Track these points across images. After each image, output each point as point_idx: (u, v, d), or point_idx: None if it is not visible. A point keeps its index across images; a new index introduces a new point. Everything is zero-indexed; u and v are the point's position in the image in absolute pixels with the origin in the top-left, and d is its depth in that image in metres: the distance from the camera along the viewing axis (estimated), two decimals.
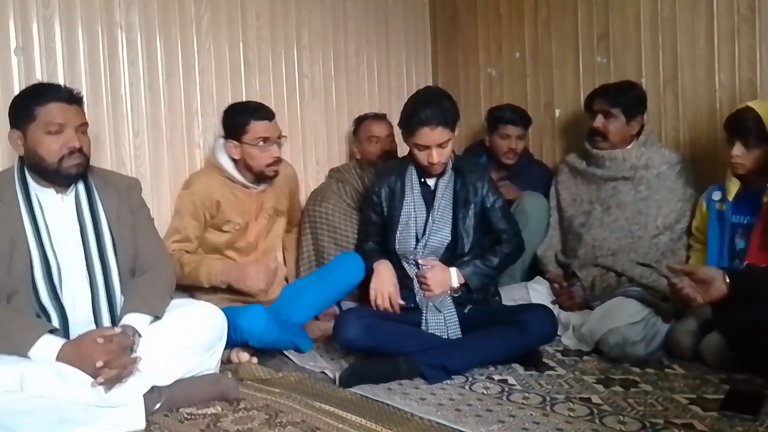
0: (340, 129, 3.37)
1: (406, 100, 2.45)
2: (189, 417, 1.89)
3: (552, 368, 2.25)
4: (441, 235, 2.42)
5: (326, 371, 2.28)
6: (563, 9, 3.26)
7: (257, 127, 2.52)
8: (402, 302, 2.38)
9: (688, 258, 2.59)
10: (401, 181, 2.49)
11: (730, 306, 2.00)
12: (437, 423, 1.81)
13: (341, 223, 2.85)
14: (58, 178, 1.95)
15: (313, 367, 2.33)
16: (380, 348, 2.22)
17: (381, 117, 3.15)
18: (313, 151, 3.24)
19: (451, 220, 2.43)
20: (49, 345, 1.77)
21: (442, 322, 2.33)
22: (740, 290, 1.98)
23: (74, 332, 1.88)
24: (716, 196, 2.47)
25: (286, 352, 2.47)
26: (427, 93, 2.43)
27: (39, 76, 2.33)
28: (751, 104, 2.26)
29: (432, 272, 2.37)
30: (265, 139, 2.52)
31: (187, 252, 2.50)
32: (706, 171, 2.71)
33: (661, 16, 2.90)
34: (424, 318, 2.35)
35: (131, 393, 1.81)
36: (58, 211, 1.98)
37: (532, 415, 1.86)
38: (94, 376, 1.75)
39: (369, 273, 2.48)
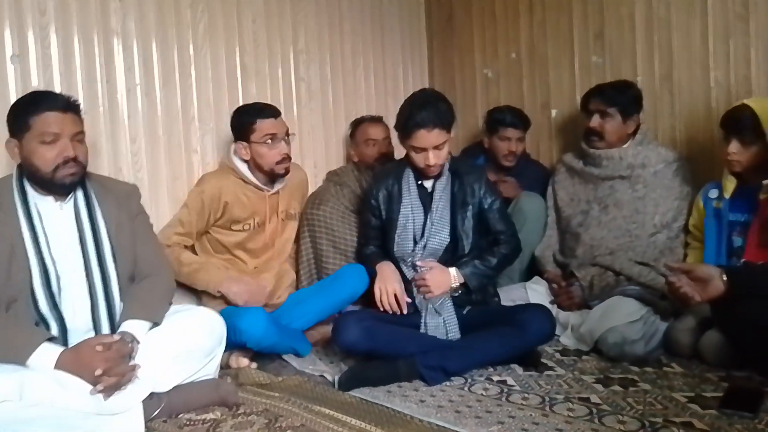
0: (337, 132, 3.38)
1: (402, 103, 2.45)
2: (188, 423, 1.89)
3: (551, 368, 2.25)
4: (440, 237, 2.42)
5: (325, 374, 2.28)
6: (558, 9, 3.27)
7: (264, 125, 2.54)
8: (408, 300, 2.36)
9: (685, 256, 2.59)
10: (398, 183, 2.50)
11: (729, 304, 2.01)
12: (437, 425, 1.81)
13: (339, 226, 2.85)
14: (53, 188, 1.95)
15: (313, 371, 2.34)
16: (379, 351, 2.22)
17: (378, 119, 3.16)
18: (310, 155, 3.25)
19: (449, 222, 2.43)
20: (47, 353, 1.76)
21: (442, 324, 2.33)
22: (738, 288, 1.98)
23: (73, 340, 1.88)
24: (713, 193, 2.47)
25: (285, 357, 2.47)
26: (423, 95, 2.43)
27: (35, 84, 2.33)
28: (747, 102, 2.26)
29: (431, 273, 2.37)
30: (273, 137, 2.54)
31: (186, 247, 2.53)
32: (703, 169, 2.71)
33: (656, 15, 2.90)
34: (423, 321, 2.35)
35: (130, 400, 1.81)
36: (57, 219, 1.97)
37: (531, 415, 1.86)
38: (93, 383, 1.74)
39: (372, 276, 2.47)
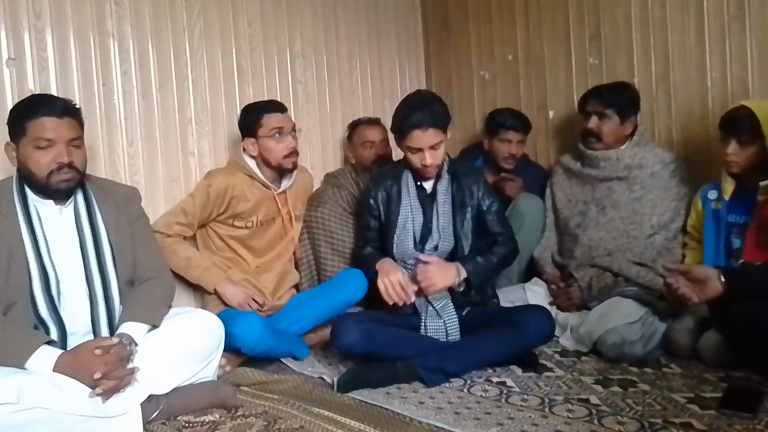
0: (335, 134, 3.38)
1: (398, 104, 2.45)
2: (187, 425, 1.89)
3: (550, 369, 2.25)
4: (448, 241, 2.42)
5: (324, 376, 2.28)
6: (554, 10, 3.27)
7: (270, 120, 2.58)
8: (415, 287, 2.31)
9: (683, 256, 2.59)
10: (397, 185, 2.50)
11: (727, 304, 2.01)
12: (436, 427, 1.81)
13: (337, 228, 2.85)
14: (50, 192, 1.94)
15: (311, 373, 2.33)
16: (378, 353, 2.22)
17: (375, 121, 3.16)
18: (307, 157, 3.24)
19: (452, 225, 2.43)
20: (45, 356, 1.76)
21: (442, 325, 2.33)
22: (736, 289, 1.99)
23: (72, 344, 1.87)
24: (712, 195, 2.47)
25: (283, 360, 2.47)
26: (418, 96, 2.44)
27: (31, 87, 2.32)
28: (745, 103, 2.27)
29: (433, 266, 2.32)
30: (280, 131, 2.57)
31: (185, 238, 2.54)
32: (700, 169, 2.72)
33: (652, 16, 2.91)
34: (423, 322, 2.35)
35: (129, 403, 1.80)
36: (57, 223, 1.97)
37: (531, 417, 1.86)
38: (92, 387, 1.74)
39: (371, 277, 2.45)
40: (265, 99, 2.80)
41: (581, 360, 2.33)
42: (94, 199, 2.04)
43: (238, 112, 2.73)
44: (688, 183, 2.66)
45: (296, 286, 2.83)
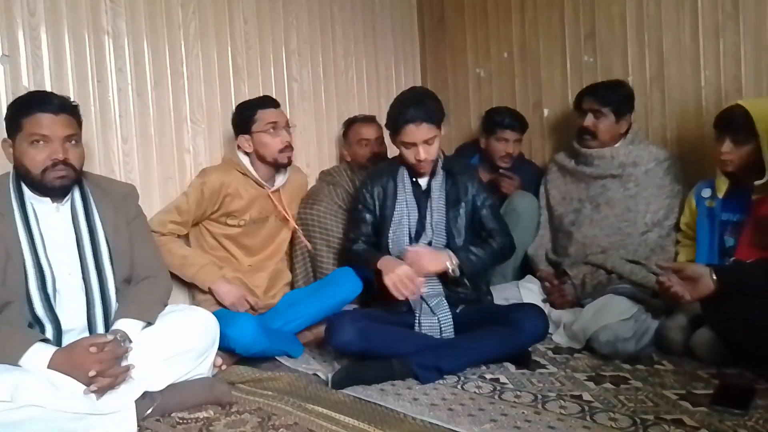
0: (330, 132, 3.38)
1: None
2: (181, 421, 1.89)
3: (543, 366, 2.26)
4: (441, 237, 2.43)
5: (319, 373, 2.28)
6: (550, 8, 3.28)
7: (265, 115, 2.59)
8: (422, 279, 2.31)
9: (677, 254, 2.60)
10: (393, 181, 2.50)
11: (719, 302, 2.02)
12: (430, 423, 1.82)
13: (333, 226, 2.85)
14: (46, 189, 1.93)
15: (306, 370, 2.34)
16: (373, 351, 2.22)
17: (370, 119, 3.16)
18: (303, 155, 3.25)
19: (445, 221, 2.44)
20: (40, 353, 1.76)
21: (436, 323, 2.34)
22: (727, 287, 2.00)
23: (68, 342, 1.86)
24: (706, 193, 2.48)
25: (278, 357, 2.47)
26: (412, 92, 2.46)
27: (26, 85, 2.32)
28: (740, 102, 2.27)
29: (422, 249, 2.34)
30: (274, 125, 2.58)
31: (179, 236, 2.54)
32: (693, 167, 2.73)
33: (647, 14, 2.92)
34: (417, 320, 2.36)
35: (123, 400, 1.81)
36: (53, 221, 1.96)
37: (524, 413, 1.87)
38: (87, 384, 1.74)
39: (365, 273, 2.46)
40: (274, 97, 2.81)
41: (574, 357, 2.34)
42: (91, 197, 2.04)
43: (234, 109, 2.73)
44: (681, 181, 2.67)
45: (290, 283, 2.84)
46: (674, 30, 2.84)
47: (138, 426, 1.83)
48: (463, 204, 2.45)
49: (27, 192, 1.94)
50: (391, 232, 2.45)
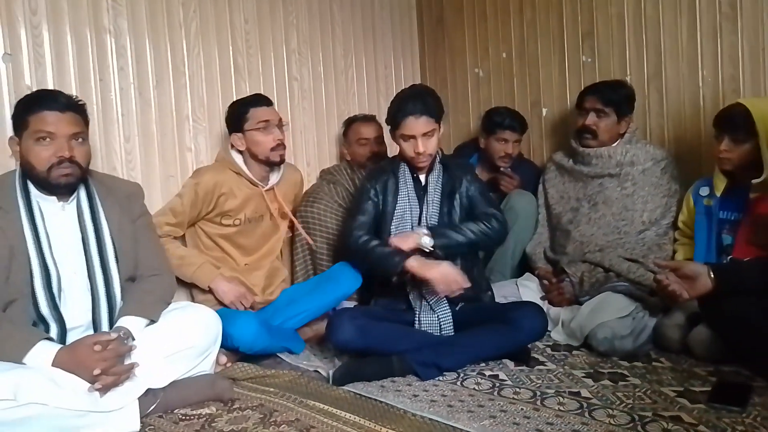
0: (330, 131, 3.40)
1: None
2: (184, 418, 1.91)
3: (542, 363, 2.28)
4: None
5: (320, 370, 2.29)
6: (548, 8, 3.29)
7: (257, 113, 2.58)
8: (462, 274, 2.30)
9: (674, 252, 2.62)
10: (395, 177, 2.52)
11: (716, 300, 2.04)
12: (430, 419, 1.83)
13: (334, 224, 2.86)
14: (52, 187, 1.93)
15: (307, 366, 2.35)
16: (373, 348, 2.24)
17: (370, 118, 3.17)
18: (303, 154, 3.26)
19: (439, 214, 2.46)
20: (44, 350, 1.77)
21: (436, 321, 2.35)
22: (725, 285, 2.01)
23: (72, 341, 1.86)
24: (704, 191, 2.49)
25: (279, 354, 2.48)
26: (412, 89, 2.51)
27: (28, 83, 2.33)
28: (741, 101, 2.29)
29: (394, 239, 2.38)
30: (266, 123, 2.57)
31: (175, 238, 2.54)
32: (691, 167, 2.74)
33: (645, 15, 2.93)
34: (417, 317, 2.38)
35: (126, 397, 1.82)
36: (59, 219, 1.96)
37: (522, 409, 1.88)
38: (91, 382, 1.75)
39: (370, 265, 2.43)
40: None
41: (572, 354, 2.36)
42: (96, 196, 2.04)
43: (227, 107, 2.71)
44: (678, 180, 2.69)
45: (286, 280, 2.84)
46: (672, 30, 2.85)
47: (141, 423, 1.84)
48: (457, 196, 2.47)
49: (33, 190, 1.94)
50: (393, 227, 2.46)
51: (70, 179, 1.93)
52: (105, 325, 1.95)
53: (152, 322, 1.99)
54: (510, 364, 2.27)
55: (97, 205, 2.02)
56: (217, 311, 2.24)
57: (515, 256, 2.95)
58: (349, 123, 3.19)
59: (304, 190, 3.05)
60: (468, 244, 2.40)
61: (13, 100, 2.21)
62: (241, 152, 2.63)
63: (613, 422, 1.76)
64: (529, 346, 2.36)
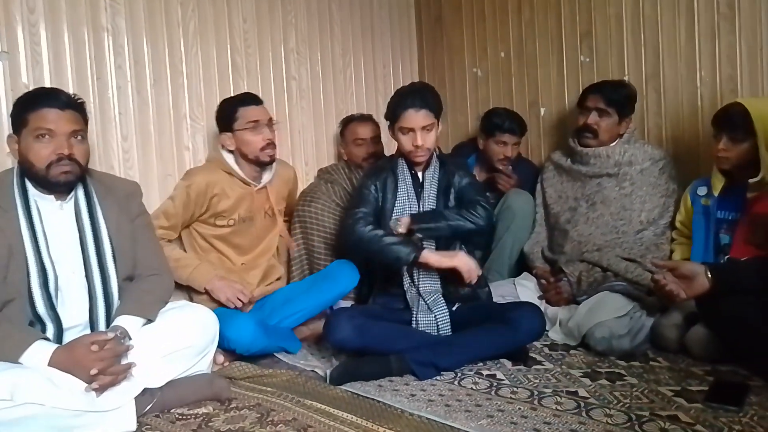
0: (328, 130, 3.40)
1: None
2: (180, 417, 1.90)
3: (539, 362, 2.28)
4: None
5: (317, 369, 2.29)
6: (546, 8, 3.30)
7: (246, 112, 2.56)
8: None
9: (671, 252, 2.62)
10: (393, 174, 2.52)
11: (714, 300, 2.04)
12: (427, 419, 1.83)
13: (331, 223, 2.86)
14: (50, 185, 1.92)
15: (304, 366, 2.35)
16: (371, 348, 2.24)
17: (366, 118, 3.16)
18: (301, 153, 3.26)
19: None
20: (41, 350, 1.76)
21: (433, 321, 2.35)
22: (722, 285, 2.01)
23: (69, 340, 1.86)
24: (701, 191, 2.50)
25: (276, 354, 2.48)
26: (412, 85, 2.53)
27: (25, 81, 2.33)
28: (739, 100, 2.30)
29: None
30: (256, 123, 2.55)
31: (169, 241, 2.53)
32: (689, 167, 2.75)
33: (643, 15, 2.94)
34: (414, 317, 2.37)
35: (123, 397, 1.81)
36: (57, 218, 1.95)
37: (520, 409, 1.88)
38: (88, 382, 1.74)
39: (402, 260, 2.39)
40: (257, 95, 2.80)
41: (570, 353, 2.36)
42: (95, 195, 2.03)
43: (217, 106, 2.70)
44: (676, 180, 2.69)
45: (282, 278, 2.84)
46: (670, 30, 2.85)
47: (137, 422, 1.83)
48: (452, 190, 2.48)
49: (31, 189, 1.93)
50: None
51: (70, 177, 1.92)
52: (102, 325, 1.94)
53: (149, 321, 1.99)
54: (507, 363, 2.27)
55: (95, 204, 2.02)
56: (214, 311, 2.24)
57: (513, 255, 2.95)
58: (346, 123, 3.18)
59: (299, 187, 3.05)
60: (450, 228, 2.41)
61: (10, 99, 2.22)
62: (232, 152, 2.62)
63: (610, 422, 1.76)
64: (527, 345, 2.36)
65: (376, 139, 3.09)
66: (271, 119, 2.63)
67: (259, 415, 1.90)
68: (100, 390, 1.76)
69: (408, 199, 2.47)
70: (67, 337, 1.88)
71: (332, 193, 2.96)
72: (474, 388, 2.08)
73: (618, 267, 2.56)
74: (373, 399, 2.00)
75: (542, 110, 3.37)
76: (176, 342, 1.97)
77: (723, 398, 1.84)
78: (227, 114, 2.58)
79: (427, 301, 2.38)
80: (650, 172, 2.68)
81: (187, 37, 2.80)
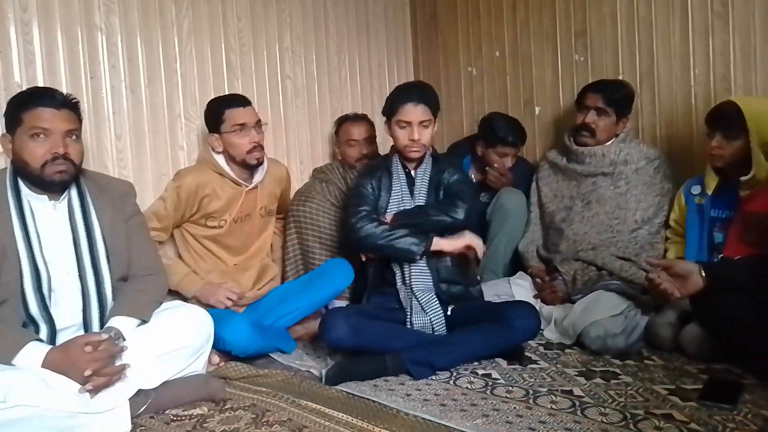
0: (323, 129, 3.39)
1: None
2: (175, 418, 1.90)
3: (534, 361, 2.28)
4: None
5: (312, 369, 2.29)
6: (541, 7, 3.30)
7: (232, 115, 2.53)
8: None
9: (666, 251, 2.63)
10: (388, 172, 2.52)
11: (708, 299, 2.04)
12: (423, 418, 1.83)
13: (326, 223, 2.86)
14: (45, 185, 1.91)
15: (299, 366, 2.35)
16: (367, 347, 2.24)
17: (361, 118, 3.15)
18: (296, 152, 3.26)
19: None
20: (34, 351, 1.75)
21: (428, 322, 2.35)
22: (716, 283, 2.02)
23: (62, 341, 1.85)
24: (695, 189, 2.51)
25: (271, 354, 2.48)
26: (409, 82, 2.61)
27: (18, 80, 2.31)
28: (732, 98, 2.31)
29: None
30: (242, 125, 2.53)
31: (160, 243, 2.51)
32: (683, 166, 2.75)
33: (638, 14, 2.94)
34: (408, 318, 2.37)
35: (117, 398, 1.81)
36: (50, 219, 1.94)
37: (515, 408, 1.89)
38: (82, 383, 1.74)
39: (414, 251, 2.38)
40: (252, 95, 2.82)
41: (565, 352, 2.36)
42: (88, 195, 2.02)
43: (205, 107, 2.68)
44: (671, 179, 2.70)
45: (276, 278, 2.83)
46: (664, 29, 2.86)
47: (132, 423, 1.83)
48: (443, 187, 2.48)
49: (24, 189, 1.92)
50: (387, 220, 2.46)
51: (64, 176, 1.91)
52: (96, 326, 1.93)
53: (144, 322, 1.98)
54: (503, 362, 2.28)
55: (89, 204, 2.01)
56: (209, 310, 2.23)
57: (507, 254, 2.96)
58: (340, 123, 3.18)
59: (294, 186, 3.04)
60: (431, 223, 2.41)
61: (3, 98, 2.20)
62: (220, 152, 2.60)
63: (605, 420, 1.76)
64: (522, 344, 2.36)
65: (370, 139, 3.08)
66: (259, 121, 2.60)
67: (254, 416, 1.89)
68: (95, 391, 1.75)
69: (402, 195, 2.48)
70: (61, 338, 1.87)
71: (327, 193, 2.95)
72: (469, 387, 2.08)
73: (613, 266, 2.57)
74: (369, 399, 1.99)
75: (537, 109, 3.37)
76: (171, 342, 1.96)
77: (717, 396, 1.85)
78: (214, 116, 2.56)
79: (421, 302, 2.37)
80: (645, 172, 2.69)
81: (181, 36, 2.79)
